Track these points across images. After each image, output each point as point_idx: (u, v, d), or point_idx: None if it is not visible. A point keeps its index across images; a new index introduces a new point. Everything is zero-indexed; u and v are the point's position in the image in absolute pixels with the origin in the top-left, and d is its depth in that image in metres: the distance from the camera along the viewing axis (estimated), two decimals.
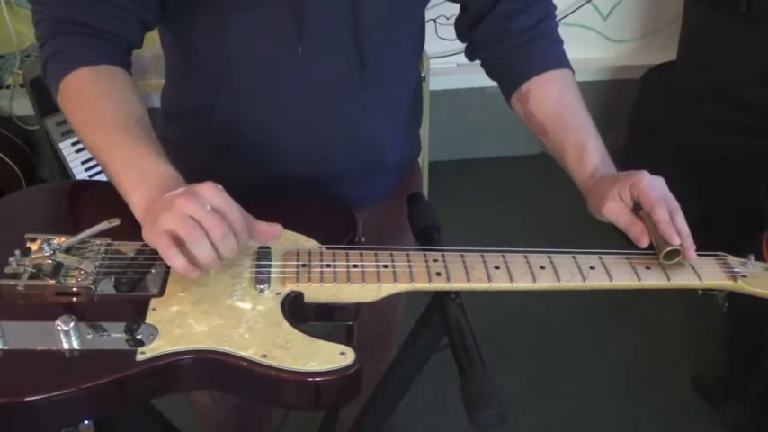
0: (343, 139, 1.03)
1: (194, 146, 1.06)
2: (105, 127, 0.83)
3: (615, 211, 0.89)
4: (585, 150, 0.96)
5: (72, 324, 0.71)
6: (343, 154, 1.04)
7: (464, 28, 1.09)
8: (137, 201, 0.78)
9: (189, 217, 0.72)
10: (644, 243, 0.87)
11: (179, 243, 0.73)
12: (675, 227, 0.86)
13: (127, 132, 0.82)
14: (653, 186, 0.87)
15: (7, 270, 0.78)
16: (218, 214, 0.74)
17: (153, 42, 1.04)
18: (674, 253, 0.86)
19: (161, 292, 0.78)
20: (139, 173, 0.79)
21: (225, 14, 0.91)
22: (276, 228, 0.81)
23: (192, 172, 1.11)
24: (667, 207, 0.86)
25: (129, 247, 0.83)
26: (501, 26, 1.04)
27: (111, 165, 0.81)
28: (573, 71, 1.05)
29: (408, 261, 0.85)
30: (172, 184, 0.78)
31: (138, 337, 0.72)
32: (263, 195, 1.01)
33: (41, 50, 0.89)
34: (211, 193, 0.75)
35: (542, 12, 1.05)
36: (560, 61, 1.05)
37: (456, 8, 1.09)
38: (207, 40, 0.95)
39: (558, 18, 1.08)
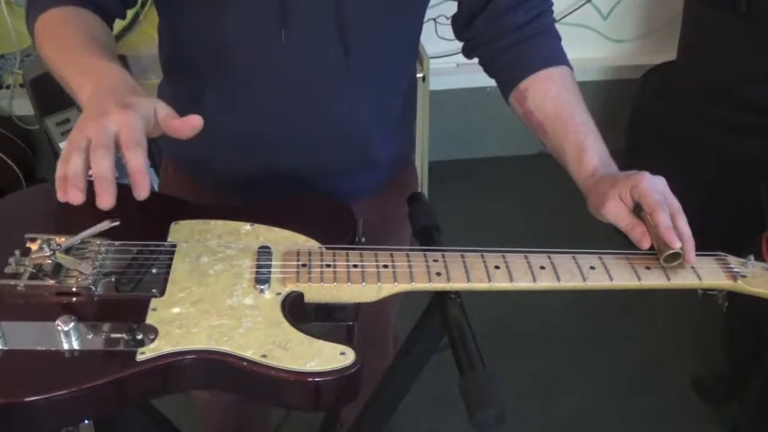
0: (329, 131, 1.03)
1: (188, 138, 1.06)
2: (67, 46, 0.88)
3: (615, 211, 0.88)
4: (584, 150, 0.95)
5: (72, 324, 0.71)
6: (331, 146, 1.04)
7: (460, 25, 1.08)
8: (84, 96, 0.81)
9: (86, 138, 0.74)
10: (645, 245, 0.87)
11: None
12: (677, 229, 0.85)
13: (86, 48, 0.86)
14: (654, 188, 0.86)
15: (7, 270, 0.78)
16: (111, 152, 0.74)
17: (152, 42, 1.05)
18: (675, 256, 0.85)
19: (161, 293, 0.78)
20: (88, 73, 0.83)
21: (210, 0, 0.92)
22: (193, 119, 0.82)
23: (187, 165, 1.12)
24: (669, 208, 0.86)
25: (129, 248, 0.83)
26: (496, 23, 1.03)
27: (68, 75, 0.84)
28: (571, 68, 1.04)
29: (408, 261, 0.85)
30: (113, 74, 0.81)
31: (138, 337, 0.72)
32: (253, 189, 1.01)
33: (26, 9, 0.95)
34: (124, 129, 0.74)
35: (538, 7, 1.03)
36: (558, 58, 1.04)
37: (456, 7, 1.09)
38: (193, 26, 0.96)
39: (558, 18, 1.08)
